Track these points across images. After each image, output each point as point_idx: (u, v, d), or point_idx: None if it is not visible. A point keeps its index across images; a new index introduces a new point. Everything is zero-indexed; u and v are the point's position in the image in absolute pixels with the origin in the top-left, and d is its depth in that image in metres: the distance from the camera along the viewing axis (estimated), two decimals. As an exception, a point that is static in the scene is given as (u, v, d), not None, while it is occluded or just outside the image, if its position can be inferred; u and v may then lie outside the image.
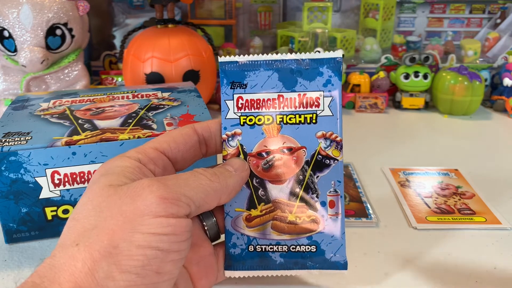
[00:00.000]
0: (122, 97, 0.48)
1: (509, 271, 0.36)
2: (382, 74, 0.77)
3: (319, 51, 0.72)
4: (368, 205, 0.45)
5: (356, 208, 0.45)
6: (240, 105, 0.32)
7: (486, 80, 0.78)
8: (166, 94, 0.49)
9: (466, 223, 0.43)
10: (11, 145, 0.37)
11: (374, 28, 0.89)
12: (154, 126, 0.41)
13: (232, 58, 0.32)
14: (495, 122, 0.71)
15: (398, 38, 0.91)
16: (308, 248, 0.32)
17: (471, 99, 0.71)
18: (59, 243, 0.25)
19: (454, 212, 0.44)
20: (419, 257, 0.38)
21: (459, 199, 0.47)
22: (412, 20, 0.94)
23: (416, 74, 0.73)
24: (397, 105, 0.77)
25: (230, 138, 0.32)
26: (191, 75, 0.64)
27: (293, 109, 0.31)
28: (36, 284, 0.23)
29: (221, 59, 0.32)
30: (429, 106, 0.76)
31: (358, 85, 0.77)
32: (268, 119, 0.32)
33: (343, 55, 0.74)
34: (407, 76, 0.74)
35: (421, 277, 0.35)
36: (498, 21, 0.91)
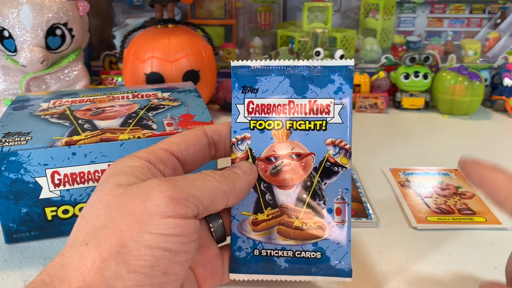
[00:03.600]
0: (122, 97, 0.48)
1: (509, 271, 0.36)
2: (382, 74, 0.77)
3: (319, 51, 0.72)
4: (368, 205, 0.45)
5: (356, 208, 0.45)
6: (250, 110, 0.32)
7: (486, 80, 0.78)
8: (166, 94, 0.49)
9: (466, 223, 0.43)
10: (11, 145, 0.37)
11: (374, 28, 0.89)
12: (154, 126, 0.41)
13: (244, 63, 0.32)
14: (495, 122, 0.71)
15: (398, 38, 0.91)
16: (313, 255, 0.32)
17: (471, 99, 0.71)
18: (69, 242, 0.25)
19: (454, 212, 0.44)
20: (419, 257, 0.38)
21: (459, 199, 0.47)
22: (412, 20, 0.94)
23: (416, 74, 0.73)
24: (397, 105, 0.77)
25: (239, 142, 0.32)
26: (191, 75, 0.64)
27: (303, 115, 0.31)
28: (46, 283, 0.23)
29: (234, 63, 0.32)
30: (429, 106, 0.76)
31: (358, 85, 0.77)
32: (278, 124, 0.32)
33: (343, 55, 0.74)
34: (407, 76, 0.74)
35: (421, 277, 0.35)
36: (498, 21, 0.91)
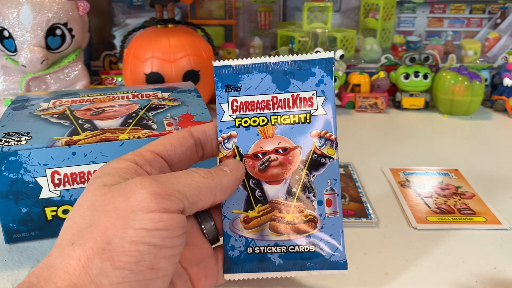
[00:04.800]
0: (122, 97, 0.48)
1: (509, 271, 0.36)
2: (382, 74, 0.77)
3: (319, 51, 0.72)
4: (368, 205, 0.45)
5: (356, 208, 0.45)
6: (235, 108, 0.32)
7: (486, 80, 0.78)
8: (166, 94, 0.49)
9: (466, 223, 0.43)
10: (11, 145, 0.37)
11: (374, 28, 0.89)
12: (154, 126, 0.41)
13: (226, 62, 0.32)
14: (495, 122, 0.71)
15: (398, 38, 0.91)
16: (306, 248, 0.32)
17: (471, 99, 0.71)
18: (56, 244, 0.25)
19: (454, 212, 0.44)
20: (419, 257, 0.38)
21: (459, 199, 0.47)
22: (412, 20, 0.94)
23: (416, 74, 0.73)
24: (397, 105, 0.77)
25: (225, 141, 0.32)
26: (191, 75, 0.64)
27: (287, 109, 0.32)
28: (33, 284, 0.23)
29: (215, 63, 0.33)
30: (429, 106, 0.76)
31: (358, 85, 0.77)
32: (263, 120, 0.32)
33: (343, 55, 0.74)
34: (407, 76, 0.74)
35: (421, 277, 0.35)
36: (498, 21, 0.91)
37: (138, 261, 0.24)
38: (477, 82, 0.70)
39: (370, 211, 0.44)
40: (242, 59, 0.33)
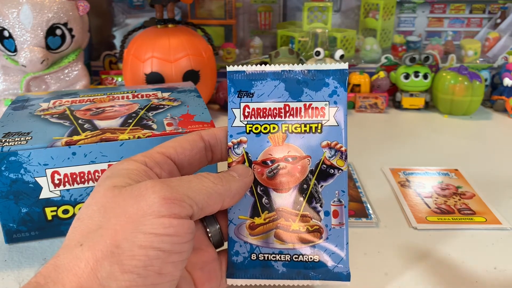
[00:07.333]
0: (122, 97, 0.48)
1: (509, 271, 0.36)
2: (382, 74, 0.77)
3: (319, 51, 0.72)
4: (368, 205, 0.45)
5: (356, 208, 0.45)
6: (246, 114, 0.32)
7: (486, 80, 0.78)
8: (166, 94, 0.49)
9: (466, 223, 0.43)
10: (11, 145, 0.37)
11: (374, 28, 0.89)
12: (154, 126, 0.41)
13: (240, 68, 0.32)
14: (495, 122, 0.71)
15: (398, 38, 0.91)
16: (310, 258, 0.32)
17: (471, 99, 0.71)
18: (64, 244, 0.25)
19: (454, 212, 0.44)
20: (419, 257, 0.38)
21: (459, 199, 0.47)
22: (412, 20, 0.94)
23: (416, 74, 0.73)
24: (397, 105, 0.77)
25: (235, 146, 0.32)
26: (191, 75, 0.64)
27: (298, 118, 0.32)
28: (40, 285, 0.23)
29: (229, 68, 0.32)
30: (429, 106, 0.76)
31: (358, 85, 0.77)
32: (274, 128, 0.32)
33: (343, 55, 0.73)
34: (407, 76, 0.74)
35: (421, 277, 0.35)
36: (498, 21, 0.91)
37: (147, 265, 0.24)
38: (477, 82, 0.70)
39: (370, 211, 0.44)
40: (256, 65, 0.32)
